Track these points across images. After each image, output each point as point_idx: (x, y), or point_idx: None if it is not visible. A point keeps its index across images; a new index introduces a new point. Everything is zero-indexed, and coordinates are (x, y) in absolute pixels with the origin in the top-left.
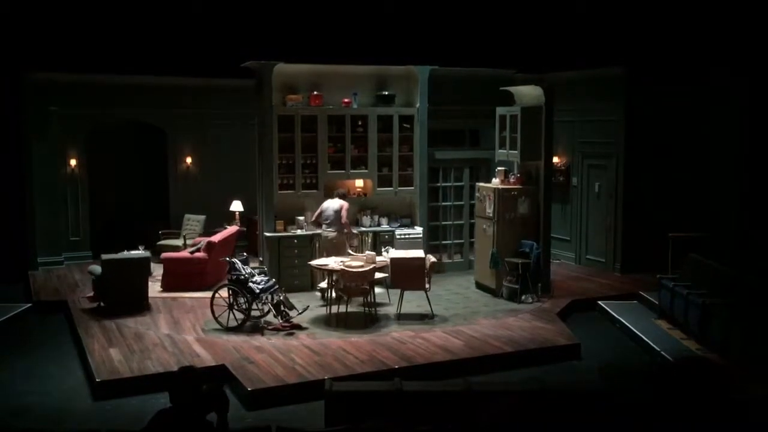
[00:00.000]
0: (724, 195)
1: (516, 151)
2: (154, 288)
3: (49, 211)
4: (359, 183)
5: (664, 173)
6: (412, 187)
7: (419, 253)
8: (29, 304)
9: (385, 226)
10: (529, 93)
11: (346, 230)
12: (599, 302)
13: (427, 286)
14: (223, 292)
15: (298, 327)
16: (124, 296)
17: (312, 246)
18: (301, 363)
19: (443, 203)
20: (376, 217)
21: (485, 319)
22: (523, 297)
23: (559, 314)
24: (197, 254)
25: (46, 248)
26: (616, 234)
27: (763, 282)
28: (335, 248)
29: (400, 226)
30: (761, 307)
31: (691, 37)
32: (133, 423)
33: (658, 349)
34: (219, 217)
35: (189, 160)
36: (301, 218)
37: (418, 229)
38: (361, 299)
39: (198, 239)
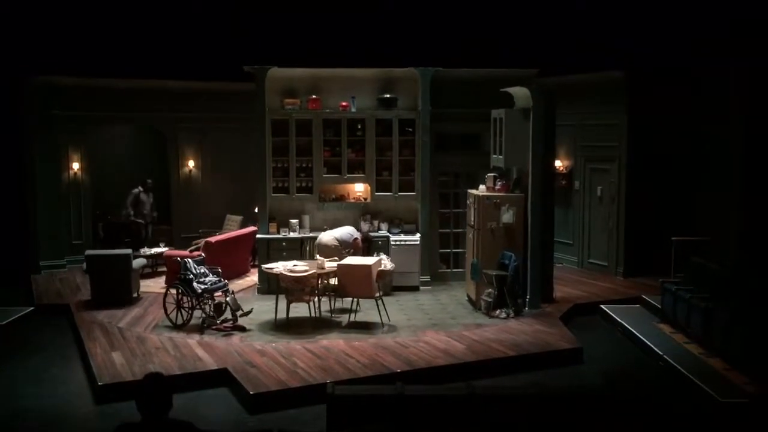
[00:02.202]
0: (726, 198)
1: (501, 156)
2: (160, 283)
3: (51, 215)
4: (359, 188)
5: (666, 177)
6: (414, 193)
7: (369, 260)
8: (31, 308)
9: (383, 232)
10: (520, 95)
11: (351, 248)
12: (602, 306)
13: (377, 293)
14: (174, 291)
15: (241, 329)
16: (108, 290)
17: (302, 249)
18: (303, 366)
19: (455, 210)
20: (376, 223)
21: (435, 332)
22: (497, 312)
23: (562, 318)
24: (195, 253)
25: (49, 252)
26: (619, 238)
27: (765, 285)
28: (328, 253)
29: (400, 233)
30: (763, 310)
31: (692, 41)
32: None
33: (661, 353)
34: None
35: (191, 163)
36: (294, 221)
37: (416, 236)
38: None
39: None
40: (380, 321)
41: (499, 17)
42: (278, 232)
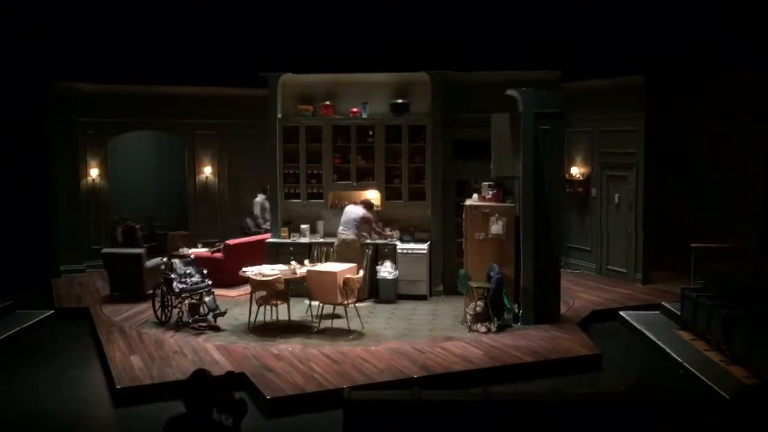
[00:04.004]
0: (747, 205)
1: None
2: None
3: (71, 219)
4: (373, 195)
5: (684, 183)
6: (425, 201)
7: (338, 266)
8: (52, 311)
9: (392, 240)
10: (516, 98)
11: (364, 233)
12: (620, 312)
13: (345, 301)
14: (160, 290)
15: (215, 329)
16: (122, 286)
17: (311, 253)
18: (319, 371)
19: None
20: (387, 230)
21: (398, 342)
22: (477, 325)
23: (580, 324)
24: (216, 254)
25: (68, 256)
26: (637, 244)
27: None
28: (349, 252)
29: (410, 241)
30: None
31: (712, 45)
32: (153, 430)
33: (681, 360)
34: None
35: (208, 169)
36: (305, 227)
37: (424, 245)
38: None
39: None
40: (359, 327)
41: (520, 20)
42: (288, 237)
